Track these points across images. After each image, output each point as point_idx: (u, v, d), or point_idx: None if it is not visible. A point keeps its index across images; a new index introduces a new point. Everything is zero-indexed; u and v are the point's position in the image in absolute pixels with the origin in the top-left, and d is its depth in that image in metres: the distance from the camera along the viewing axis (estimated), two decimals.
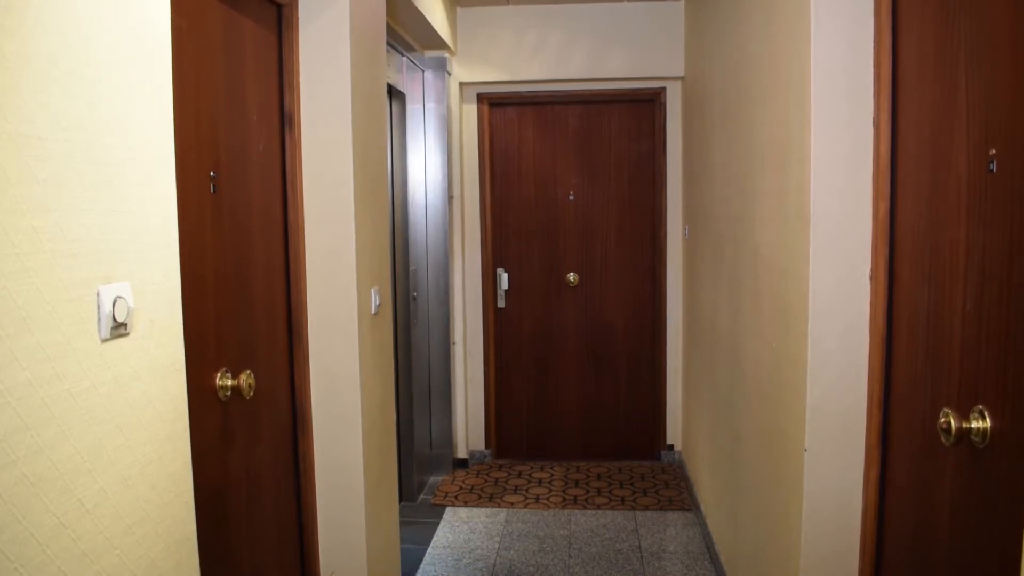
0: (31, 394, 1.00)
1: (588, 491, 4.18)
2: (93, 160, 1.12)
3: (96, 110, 1.13)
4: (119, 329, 1.17)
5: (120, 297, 1.16)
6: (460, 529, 3.75)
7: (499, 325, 4.67)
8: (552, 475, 4.43)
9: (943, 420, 1.45)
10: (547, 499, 4.08)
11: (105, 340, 1.14)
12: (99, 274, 1.13)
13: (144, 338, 1.24)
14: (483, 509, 3.98)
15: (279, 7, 2.20)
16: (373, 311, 2.52)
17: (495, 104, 4.58)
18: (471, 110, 4.54)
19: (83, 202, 1.10)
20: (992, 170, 1.36)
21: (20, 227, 0.98)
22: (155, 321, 1.28)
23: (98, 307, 1.13)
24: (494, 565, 3.37)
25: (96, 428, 1.13)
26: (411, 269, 4.05)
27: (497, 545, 3.53)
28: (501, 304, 4.64)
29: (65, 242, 1.06)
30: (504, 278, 4.61)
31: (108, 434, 1.15)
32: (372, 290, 2.51)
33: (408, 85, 4.04)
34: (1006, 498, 1.31)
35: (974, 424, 1.38)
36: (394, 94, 3.81)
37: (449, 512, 3.96)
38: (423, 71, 4.09)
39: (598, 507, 3.96)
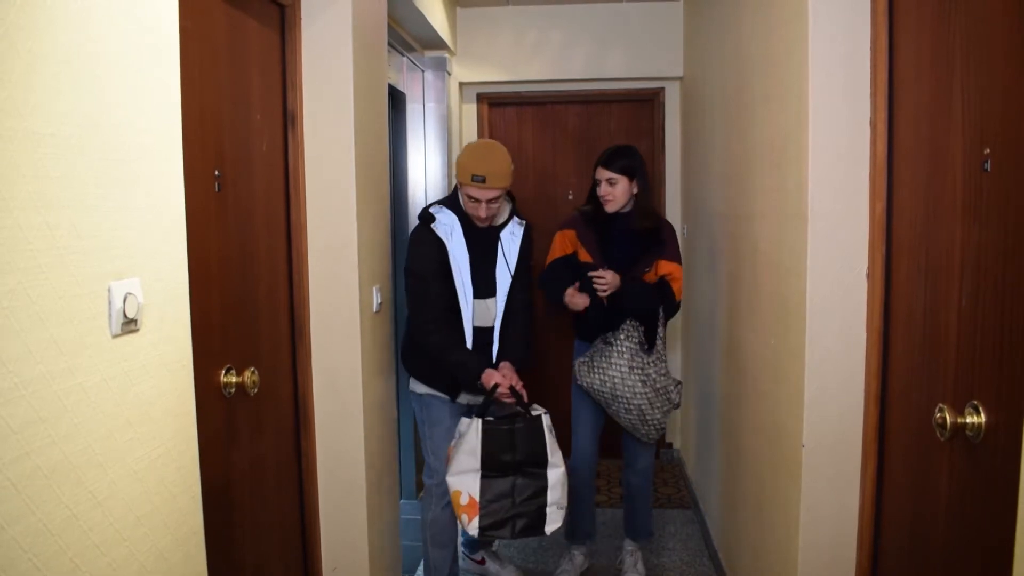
0: (45, 387, 1.02)
1: None
2: (104, 157, 1.14)
3: (107, 108, 1.15)
4: (129, 325, 1.19)
5: (130, 293, 1.18)
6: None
7: None
8: None
9: (938, 415, 1.47)
10: None
11: (116, 335, 1.16)
12: (110, 270, 1.15)
13: (153, 334, 1.26)
14: None
15: (282, 7, 2.22)
16: (375, 309, 2.54)
17: (495, 104, 4.60)
18: (471, 110, 4.56)
19: (94, 199, 1.12)
20: (987, 169, 1.39)
21: (34, 223, 1.00)
22: (164, 317, 1.30)
23: (109, 303, 1.15)
24: None
25: (107, 422, 1.15)
26: None
27: (497, 542, 3.54)
28: None
29: (77, 238, 1.08)
30: None
31: (118, 428, 1.17)
32: (374, 288, 2.53)
33: (408, 85, 4.06)
34: (1000, 491, 1.33)
35: (969, 419, 1.40)
36: (394, 94, 3.82)
37: None
38: (423, 71, 4.10)
39: (597, 505, 3.97)
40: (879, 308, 1.84)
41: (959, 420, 1.42)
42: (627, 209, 2.91)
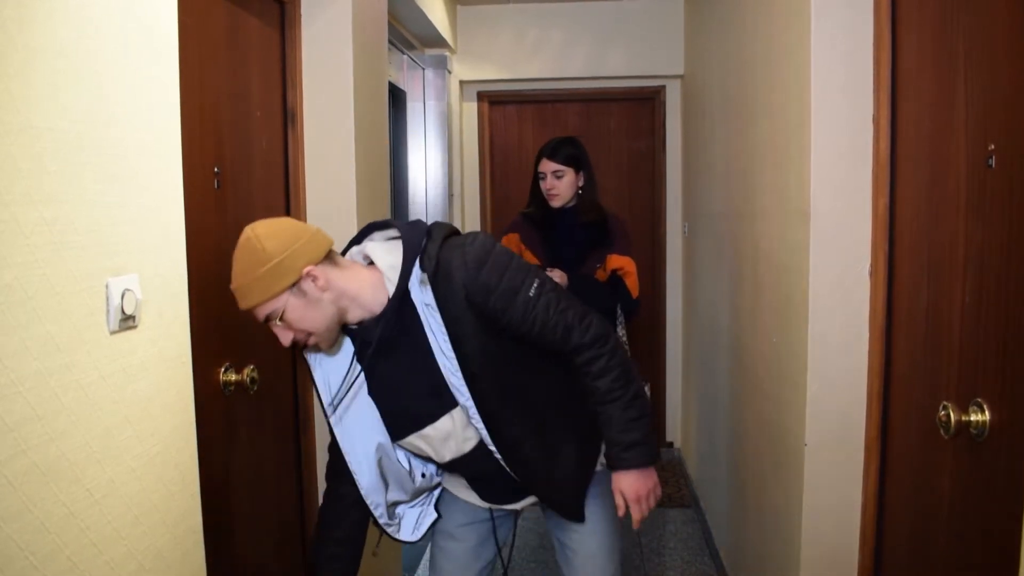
0: (41, 384, 1.01)
1: None
2: (102, 152, 1.13)
3: (105, 103, 1.14)
4: (127, 321, 1.18)
5: (128, 289, 1.17)
6: None
7: None
8: None
9: (942, 413, 1.47)
10: None
11: (114, 332, 1.15)
12: (108, 266, 1.14)
13: (152, 330, 1.25)
14: None
15: (282, 5, 2.21)
16: None
17: (495, 102, 4.59)
18: (471, 108, 4.55)
19: (92, 194, 1.11)
20: (991, 165, 1.38)
21: (31, 218, 0.99)
22: (162, 314, 1.29)
23: (107, 299, 1.14)
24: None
25: (105, 419, 1.14)
26: None
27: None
28: None
29: (75, 234, 1.07)
30: None
31: (116, 425, 1.16)
32: None
33: (408, 83, 4.05)
34: (1005, 490, 1.33)
35: (973, 417, 1.39)
36: (394, 92, 3.82)
37: None
38: (423, 69, 4.10)
39: None
40: (882, 306, 1.83)
41: (963, 418, 1.42)
42: (571, 204, 2.78)
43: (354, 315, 1.50)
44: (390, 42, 3.30)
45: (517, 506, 1.75)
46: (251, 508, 2.02)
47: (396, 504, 1.70)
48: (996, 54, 1.38)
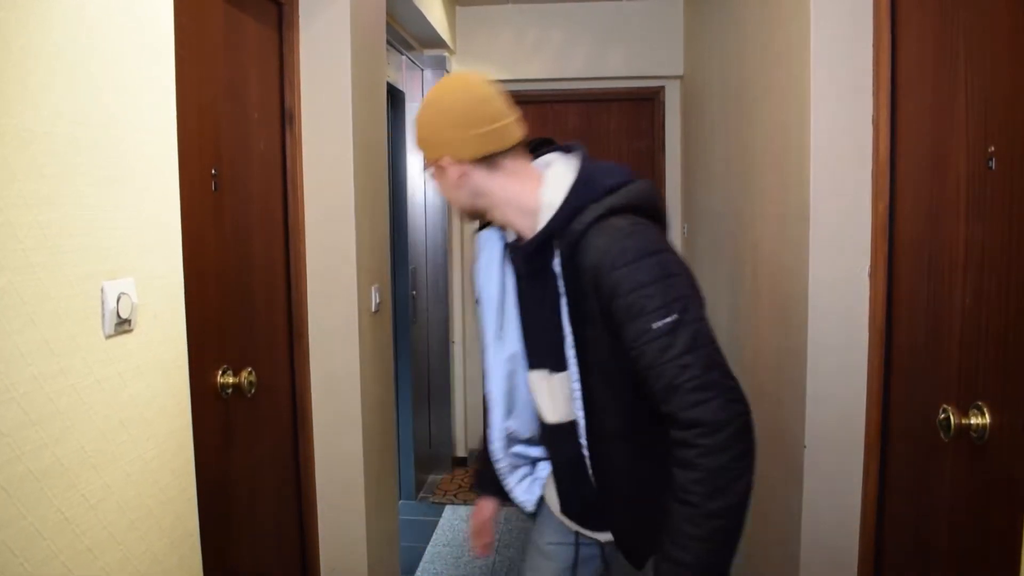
0: (36, 389, 1.00)
1: None
2: (98, 155, 1.13)
3: (101, 105, 1.13)
4: (123, 325, 1.17)
5: (124, 293, 1.17)
6: (460, 527, 3.75)
7: None
8: None
9: (942, 416, 1.46)
10: None
11: (109, 336, 1.15)
12: (103, 270, 1.14)
13: (147, 334, 1.25)
14: None
15: (280, 5, 2.20)
16: (373, 309, 2.52)
17: None
18: None
19: (88, 197, 1.10)
20: (991, 167, 1.37)
21: (26, 222, 0.98)
22: (158, 317, 1.28)
23: (102, 303, 1.13)
24: (494, 563, 3.37)
25: (100, 424, 1.13)
26: (410, 268, 4.06)
27: (497, 543, 3.53)
28: None
29: (70, 237, 1.06)
30: None
31: (112, 430, 1.16)
32: (372, 288, 2.52)
33: (407, 84, 4.04)
34: (1005, 493, 1.32)
35: (973, 420, 1.39)
36: (393, 92, 3.81)
37: (449, 510, 3.96)
38: (422, 70, 4.09)
39: None
40: (881, 308, 1.82)
41: (963, 421, 1.41)
42: None
43: (497, 218, 1.42)
44: (389, 43, 3.29)
45: (600, 536, 1.52)
46: (249, 512, 2.02)
47: (515, 439, 1.56)
48: (996, 54, 1.37)
